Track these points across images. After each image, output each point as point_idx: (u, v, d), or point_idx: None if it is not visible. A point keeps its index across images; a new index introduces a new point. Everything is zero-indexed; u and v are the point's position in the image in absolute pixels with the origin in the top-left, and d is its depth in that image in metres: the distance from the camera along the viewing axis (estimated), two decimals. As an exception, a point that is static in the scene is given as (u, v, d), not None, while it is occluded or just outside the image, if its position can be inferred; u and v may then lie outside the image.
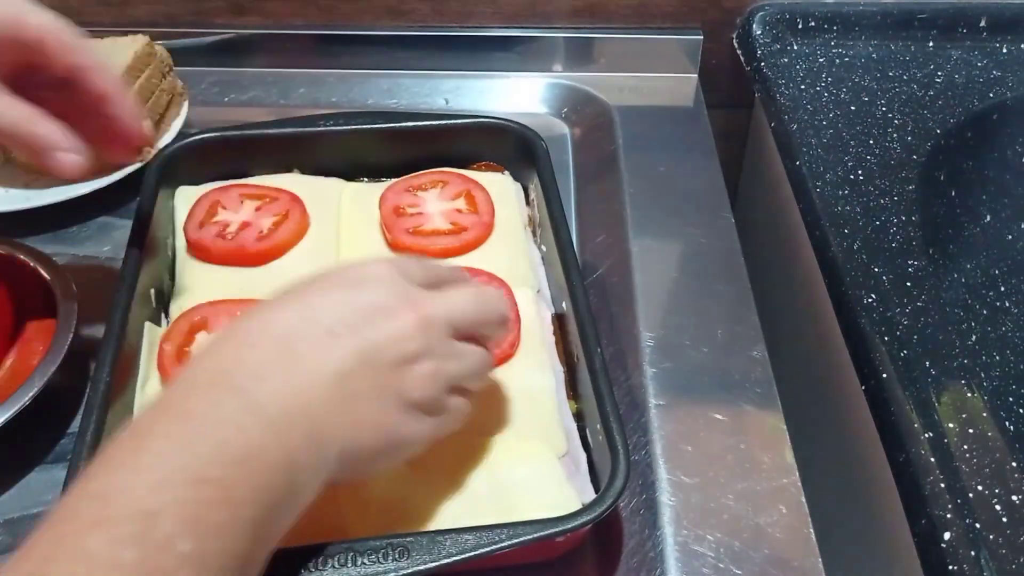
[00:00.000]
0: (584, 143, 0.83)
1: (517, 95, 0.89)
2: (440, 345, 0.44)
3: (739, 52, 0.87)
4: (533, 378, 0.56)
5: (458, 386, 0.46)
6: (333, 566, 0.44)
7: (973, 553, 0.47)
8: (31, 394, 0.54)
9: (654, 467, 0.56)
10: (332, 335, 0.41)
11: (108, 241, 0.72)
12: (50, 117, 0.50)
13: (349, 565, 0.44)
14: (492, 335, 0.49)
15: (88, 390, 0.52)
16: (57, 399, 0.58)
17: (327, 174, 0.70)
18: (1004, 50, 0.83)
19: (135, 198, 0.65)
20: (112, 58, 0.76)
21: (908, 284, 0.62)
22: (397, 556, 0.44)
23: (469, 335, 0.47)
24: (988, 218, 0.72)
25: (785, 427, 0.58)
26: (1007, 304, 0.63)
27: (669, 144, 0.81)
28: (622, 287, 0.68)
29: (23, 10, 0.50)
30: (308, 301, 0.43)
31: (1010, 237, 0.69)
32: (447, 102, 0.88)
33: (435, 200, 0.66)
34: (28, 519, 0.54)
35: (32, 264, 0.61)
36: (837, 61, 0.83)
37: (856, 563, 0.65)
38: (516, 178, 0.71)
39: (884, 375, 0.56)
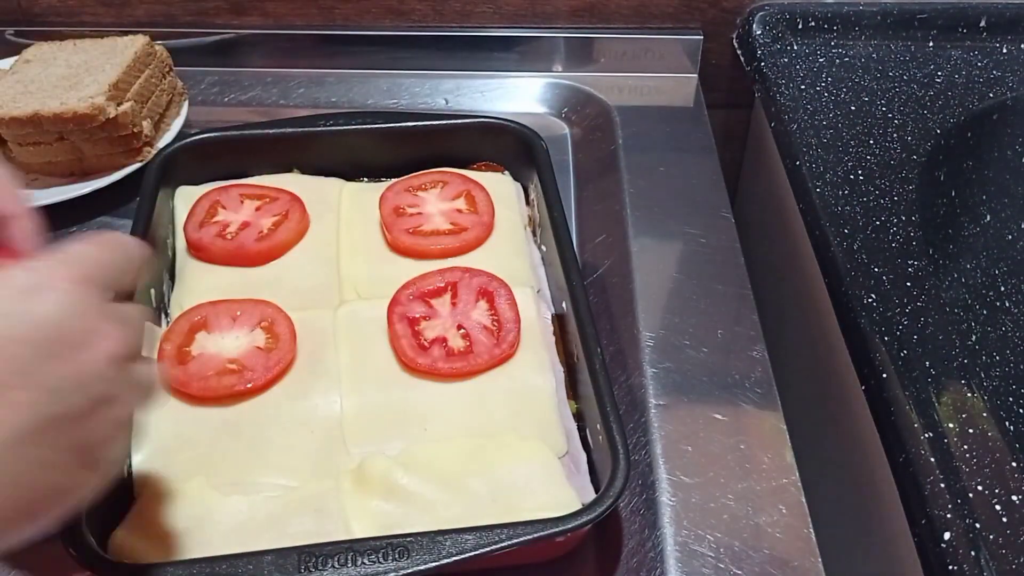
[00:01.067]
0: (584, 143, 0.83)
1: (517, 95, 0.89)
2: (133, 373, 0.37)
3: (739, 52, 0.87)
4: (533, 378, 0.56)
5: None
6: (333, 566, 0.44)
7: (973, 553, 0.47)
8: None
9: (654, 467, 0.56)
10: (2, 388, 0.32)
11: (108, 241, 0.72)
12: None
13: (349, 565, 0.44)
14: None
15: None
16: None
17: (327, 174, 0.70)
18: (1004, 50, 0.84)
19: (135, 198, 0.65)
20: (112, 58, 0.76)
21: (908, 284, 0.62)
22: (397, 556, 0.44)
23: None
24: (988, 218, 0.72)
25: (785, 427, 0.58)
26: (1007, 304, 0.63)
27: (669, 144, 0.81)
28: (622, 287, 0.68)
29: None
30: None
31: (1010, 237, 0.69)
32: (447, 102, 0.88)
33: (435, 200, 0.66)
34: (28, 519, 0.54)
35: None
36: (837, 61, 0.83)
37: (856, 563, 0.65)
38: (516, 178, 0.71)
39: (884, 375, 0.56)
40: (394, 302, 0.59)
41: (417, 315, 0.58)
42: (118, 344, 0.35)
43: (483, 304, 0.59)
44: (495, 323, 0.57)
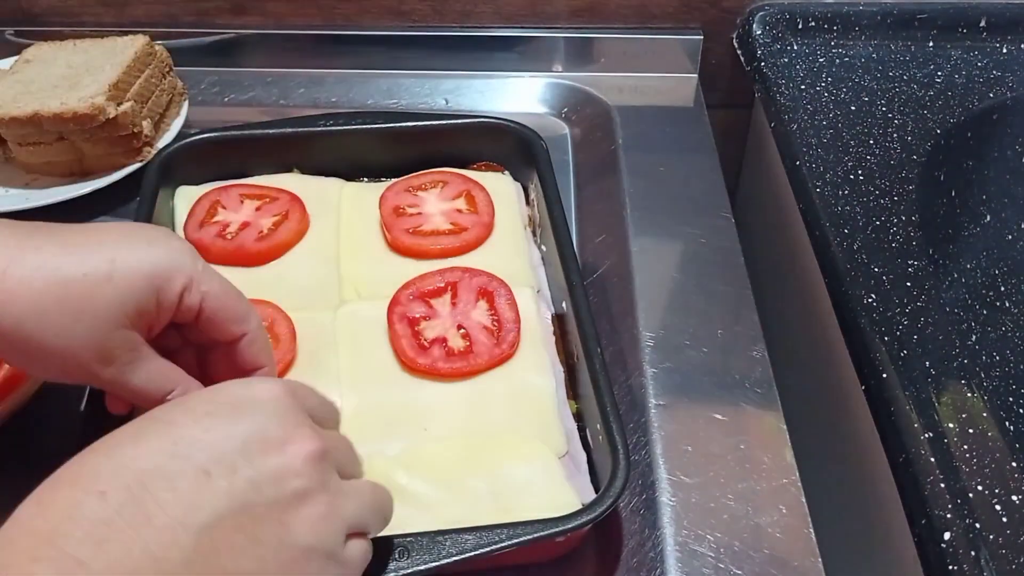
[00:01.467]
0: (584, 143, 0.83)
1: (517, 95, 0.89)
2: (333, 481, 0.37)
3: (739, 52, 0.87)
4: (533, 378, 0.56)
5: (356, 531, 0.39)
6: (333, 566, 0.44)
7: (973, 553, 0.47)
8: (31, 394, 0.54)
9: (654, 467, 0.56)
10: (205, 475, 0.33)
11: (108, 241, 0.72)
12: (187, 380, 0.45)
13: (349, 565, 0.44)
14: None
15: (88, 391, 0.52)
16: (58, 398, 0.58)
17: (327, 174, 0.70)
18: (1004, 50, 0.84)
19: (135, 198, 0.64)
20: (112, 58, 0.76)
21: (908, 284, 0.62)
22: (397, 556, 0.44)
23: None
24: (988, 218, 0.72)
25: (785, 427, 0.58)
26: (1007, 304, 0.63)
27: (669, 144, 0.81)
28: (622, 287, 0.68)
29: (195, 286, 0.43)
30: (178, 432, 0.34)
31: (1010, 237, 0.69)
32: (447, 102, 0.88)
33: (435, 200, 0.66)
34: (28, 519, 0.54)
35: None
36: (837, 61, 0.83)
37: (856, 563, 0.65)
38: (516, 178, 0.71)
39: (884, 375, 0.56)
40: (394, 302, 0.59)
41: (417, 315, 0.58)
42: (317, 444, 0.37)
43: (483, 304, 0.59)
44: (495, 323, 0.57)
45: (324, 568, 0.36)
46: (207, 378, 0.46)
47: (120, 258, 0.41)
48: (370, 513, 0.39)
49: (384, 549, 0.44)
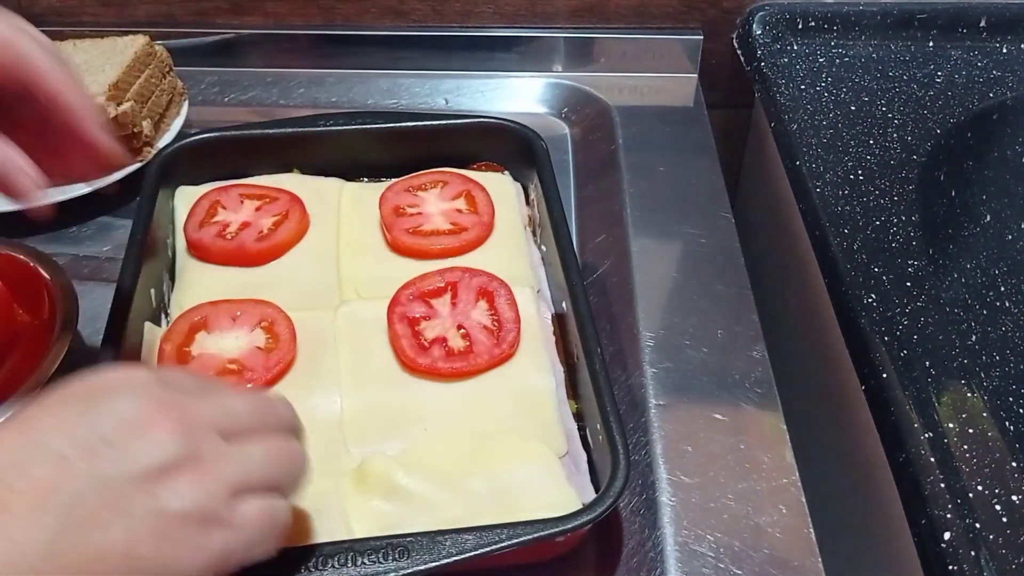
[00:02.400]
0: (584, 143, 0.83)
1: (517, 95, 0.89)
2: (208, 447, 0.37)
3: (739, 52, 0.87)
4: (533, 378, 0.56)
5: (253, 489, 0.38)
6: (333, 566, 0.44)
7: (973, 553, 0.47)
8: (32, 394, 0.54)
9: (654, 467, 0.56)
10: (61, 459, 0.33)
11: (108, 241, 0.72)
12: (6, 141, 0.46)
13: (349, 565, 0.44)
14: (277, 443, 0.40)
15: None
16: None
17: (327, 174, 0.70)
18: (1004, 50, 0.84)
19: (135, 198, 0.65)
20: (112, 58, 0.76)
21: (908, 284, 0.62)
22: (397, 556, 0.44)
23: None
24: (988, 218, 0.72)
25: (785, 427, 0.58)
26: (1007, 304, 0.63)
27: (669, 144, 0.81)
28: (622, 287, 0.68)
29: (15, 43, 0.45)
30: (33, 424, 0.35)
31: (1010, 237, 0.69)
32: (447, 102, 0.88)
33: (435, 200, 0.66)
34: (28, 519, 0.54)
35: (32, 264, 0.61)
36: (837, 61, 0.83)
37: (856, 563, 0.65)
38: (516, 178, 0.71)
39: (884, 375, 0.56)
40: (394, 302, 0.59)
41: (417, 315, 0.58)
42: (180, 415, 0.36)
43: (483, 304, 0.59)
44: (495, 323, 0.57)
45: (203, 531, 0.35)
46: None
47: None
48: (262, 470, 0.38)
49: (383, 549, 0.44)
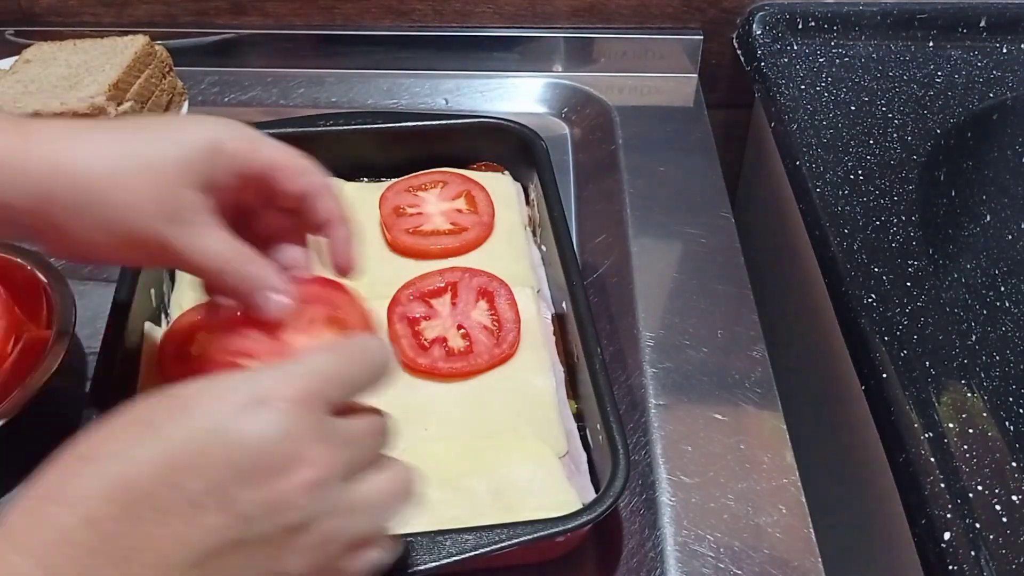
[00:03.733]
0: (584, 143, 0.83)
1: (517, 95, 0.89)
2: (339, 502, 0.35)
3: (739, 52, 0.87)
4: (533, 378, 0.56)
5: (367, 539, 0.37)
6: (333, 566, 0.44)
7: (973, 553, 0.47)
8: (31, 395, 0.54)
9: (654, 467, 0.56)
10: (196, 509, 0.32)
11: (108, 241, 0.72)
12: (261, 256, 0.45)
13: (349, 565, 0.44)
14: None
15: (88, 391, 0.52)
16: (57, 400, 0.58)
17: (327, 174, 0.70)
18: (1004, 50, 0.83)
19: (135, 198, 0.64)
20: (112, 58, 0.76)
21: (908, 284, 0.62)
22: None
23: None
24: (988, 218, 0.72)
25: (785, 427, 0.58)
26: (1007, 304, 0.63)
27: (669, 144, 0.81)
28: (622, 287, 0.68)
29: (255, 143, 0.44)
30: (173, 452, 0.32)
31: (1010, 237, 0.69)
32: (447, 102, 0.88)
33: (435, 200, 0.66)
34: (28, 519, 0.54)
35: (30, 268, 0.61)
36: (837, 61, 0.83)
37: (856, 563, 0.65)
38: (516, 178, 0.71)
39: (884, 375, 0.56)
40: (394, 302, 0.59)
41: (417, 315, 0.58)
42: (321, 471, 0.34)
43: (483, 304, 0.59)
44: (495, 323, 0.57)
45: None
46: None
47: (182, 128, 0.44)
48: (380, 518, 0.38)
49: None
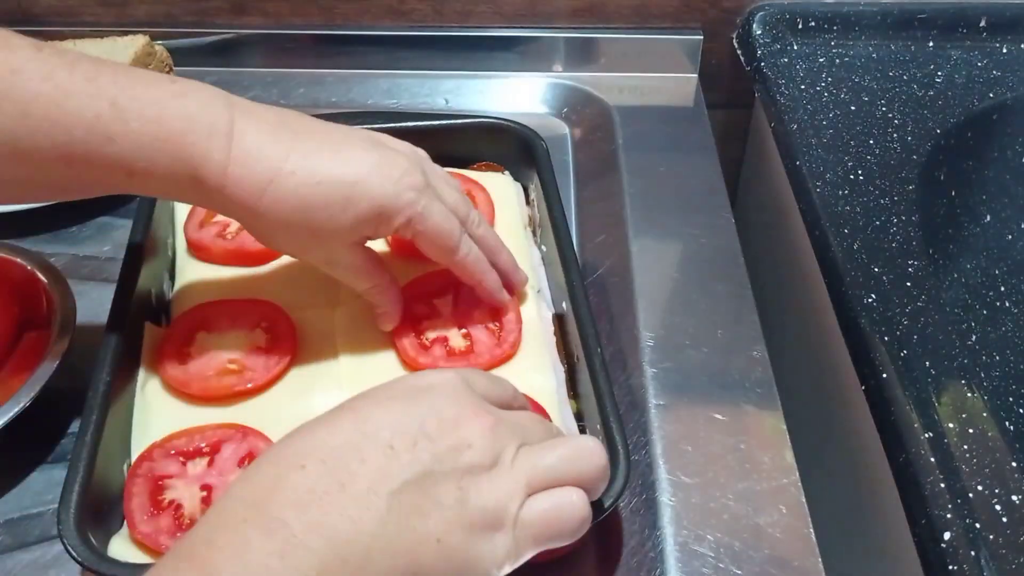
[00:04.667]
0: (584, 143, 0.83)
1: (517, 95, 0.89)
2: (509, 451, 0.40)
3: (739, 52, 0.87)
4: (534, 378, 0.56)
5: (546, 486, 0.41)
6: (333, 566, 0.44)
7: (973, 553, 0.47)
8: (31, 396, 0.54)
9: (654, 467, 0.56)
10: (390, 450, 0.38)
11: (108, 241, 0.72)
12: (395, 285, 0.56)
13: (349, 565, 0.44)
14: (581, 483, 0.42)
15: (88, 391, 0.52)
16: (57, 400, 0.58)
17: (327, 174, 0.70)
18: (1004, 50, 0.84)
19: (135, 198, 0.64)
20: (112, 58, 0.76)
21: (908, 284, 0.62)
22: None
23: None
24: (988, 218, 0.72)
25: (785, 427, 0.58)
26: (1007, 304, 0.63)
27: (669, 144, 0.81)
28: (622, 287, 0.68)
29: (417, 221, 0.52)
30: (364, 414, 0.40)
31: (1010, 237, 0.69)
32: (447, 102, 0.88)
33: (435, 200, 0.66)
34: (28, 519, 0.54)
35: (30, 268, 0.61)
36: (837, 61, 0.83)
37: (856, 563, 0.65)
38: (516, 178, 0.71)
39: (884, 375, 0.56)
40: (396, 301, 0.59)
41: (419, 314, 0.58)
42: (488, 420, 0.41)
43: (485, 305, 0.59)
44: (497, 323, 0.57)
45: (500, 527, 0.39)
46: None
47: (360, 186, 0.49)
48: (555, 467, 0.41)
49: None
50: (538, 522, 0.40)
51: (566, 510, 0.41)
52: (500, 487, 0.39)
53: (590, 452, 0.42)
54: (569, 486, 0.41)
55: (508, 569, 0.40)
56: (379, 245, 0.64)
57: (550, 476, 0.41)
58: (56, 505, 0.46)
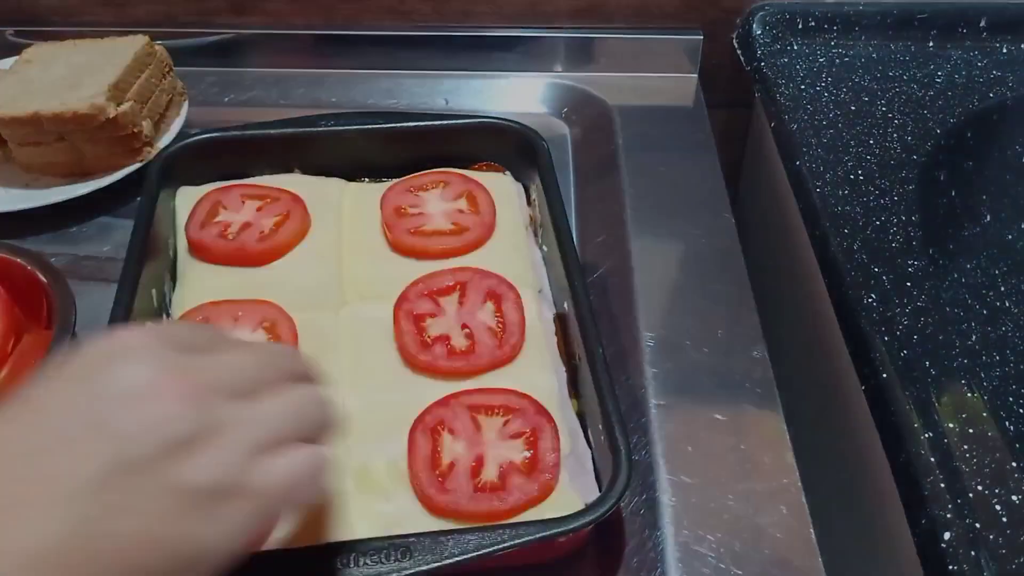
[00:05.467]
0: (584, 143, 0.83)
1: (517, 95, 0.89)
2: (222, 412, 0.35)
3: (739, 52, 0.87)
4: (536, 378, 0.56)
5: (275, 445, 0.36)
6: (335, 566, 0.44)
7: (973, 553, 0.47)
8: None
9: (655, 467, 0.56)
10: (69, 442, 0.32)
11: (108, 241, 0.72)
12: None
13: (352, 565, 0.44)
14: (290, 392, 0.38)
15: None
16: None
17: (328, 174, 0.70)
18: (1004, 50, 0.84)
19: (135, 198, 0.65)
20: (112, 58, 0.76)
21: (908, 284, 0.62)
22: (400, 556, 0.44)
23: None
24: (988, 218, 0.72)
25: (785, 427, 0.58)
26: (1007, 304, 0.63)
27: (669, 144, 0.81)
28: (622, 287, 0.68)
29: None
30: (34, 404, 0.33)
31: (1010, 237, 0.69)
32: (447, 102, 0.88)
33: (436, 200, 0.66)
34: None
35: (30, 268, 0.61)
36: (837, 61, 0.83)
37: (856, 563, 0.65)
38: (517, 178, 0.71)
39: (884, 375, 0.56)
40: (402, 298, 0.59)
41: (423, 312, 0.58)
42: (190, 382, 0.34)
43: (490, 306, 0.59)
44: (500, 325, 0.58)
45: (228, 503, 0.34)
46: None
47: None
48: (280, 424, 0.37)
49: (386, 550, 0.44)
50: (275, 488, 0.35)
51: (302, 469, 0.37)
52: (216, 458, 0.34)
53: (311, 403, 0.39)
54: (298, 443, 0.37)
55: (257, 539, 0.36)
56: (378, 244, 0.64)
57: (272, 435, 0.36)
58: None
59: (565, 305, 0.59)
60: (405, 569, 0.44)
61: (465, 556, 0.44)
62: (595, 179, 0.78)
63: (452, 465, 0.50)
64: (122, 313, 0.56)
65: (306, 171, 0.70)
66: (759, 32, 0.85)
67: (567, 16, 0.89)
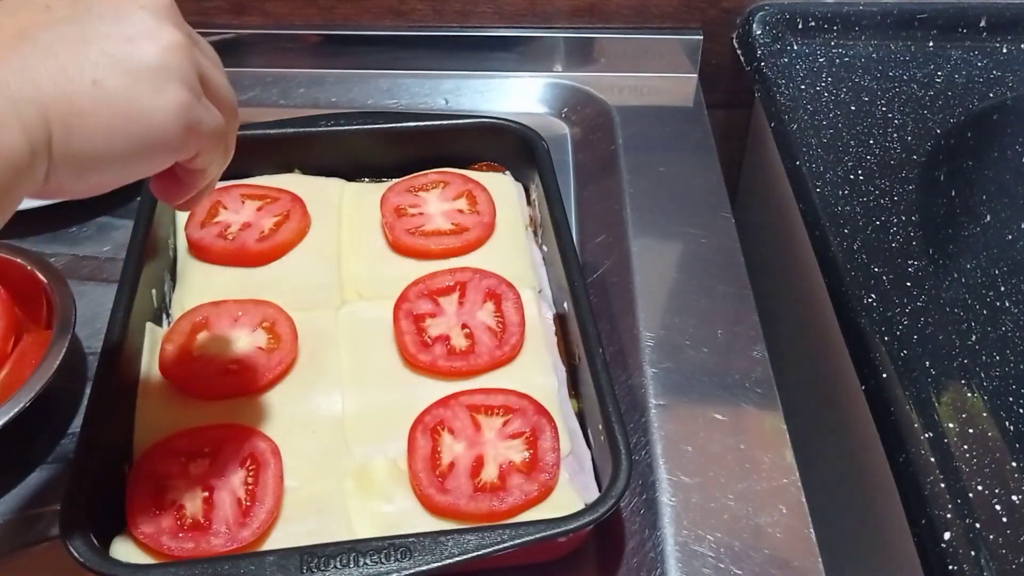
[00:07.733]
0: (584, 143, 0.83)
1: (517, 95, 0.89)
2: (195, 43, 0.40)
3: (739, 52, 0.87)
4: (536, 378, 0.56)
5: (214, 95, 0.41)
6: (335, 567, 0.44)
7: (973, 553, 0.47)
8: (31, 396, 0.54)
9: (654, 467, 0.56)
10: (46, 9, 0.36)
11: (108, 241, 0.72)
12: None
13: (351, 565, 0.44)
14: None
15: (89, 391, 0.52)
16: (57, 400, 0.58)
17: (328, 174, 0.70)
18: (1004, 50, 0.84)
19: (135, 198, 0.64)
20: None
21: (908, 284, 0.62)
22: (399, 556, 0.44)
23: None
24: (988, 218, 0.72)
25: (785, 427, 0.58)
26: (1007, 304, 0.63)
27: (669, 144, 0.81)
28: (622, 287, 0.68)
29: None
30: None
31: (1010, 237, 0.69)
32: (447, 102, 0.88)
33: (436, 200, 0.66)
34: (28, 519, 0.54)
35: (30, 268, 0.61)
36: (837, 61, 0.83)
37: (856, 563, 0.65)
38: (517, 178, 0.71)
39: (884, 375, 0.56)
40: (402, 298, 0.59)
41: (423, 311, 0.58)
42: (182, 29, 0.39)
43: (490, 306, 0.59)
44: (499, 325, 0.58)
45: (173, 84, 0.37)
46: None
47: None
48: (229, 93, 0.42)
49: (386, 550, 0.44)
50: (212, 110, 0.40)
51: (222, 130, 0.42)
52: (182, 53, 0.38)
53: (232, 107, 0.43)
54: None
55: (192, 137, 0.39)
56: (378, 244, 0.64)
57: (219, 82, 0.42)
58: (56, 505, 0.46)
59: (565, 305, 0.59)
60: (405, 569, 0.44)
61: (465, 556, 0.44)
62: (595, 179, 0.78)
63: (452, 465, 0.50)
64: (122, 313, 0.56)
65: (306, 171, 0.70)
66: (759, 32, 0.85)
67: (567, 16, 0.89)
